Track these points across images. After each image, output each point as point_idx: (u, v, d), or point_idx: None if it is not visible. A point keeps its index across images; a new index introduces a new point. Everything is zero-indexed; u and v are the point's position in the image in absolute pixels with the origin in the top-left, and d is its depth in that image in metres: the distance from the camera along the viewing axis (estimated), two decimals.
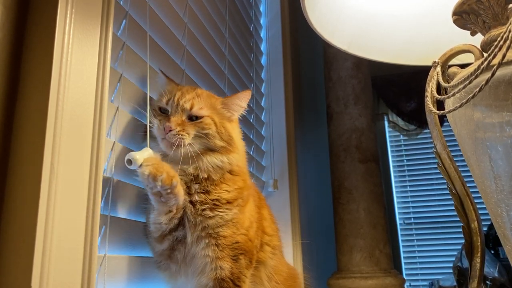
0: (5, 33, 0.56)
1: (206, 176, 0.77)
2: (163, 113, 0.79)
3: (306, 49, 2.30)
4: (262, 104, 1.73)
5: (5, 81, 0.56)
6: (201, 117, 0.79)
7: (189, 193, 0.75)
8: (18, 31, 0.59)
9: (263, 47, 1.84)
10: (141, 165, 0.68)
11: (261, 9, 1.89)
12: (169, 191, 0.70)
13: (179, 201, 0.72)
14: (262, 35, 1.85)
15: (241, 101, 0.86)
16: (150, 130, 0.77)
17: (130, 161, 0.68)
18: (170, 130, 0.74)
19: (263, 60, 1.81)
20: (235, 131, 0.85)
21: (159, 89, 0.85)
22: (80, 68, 0.62)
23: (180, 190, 0.72)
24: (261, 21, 1.87)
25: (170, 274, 0.78)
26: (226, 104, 0.84)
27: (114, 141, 0.75)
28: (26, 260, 0.51)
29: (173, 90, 0.81)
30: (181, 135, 0.75)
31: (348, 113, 1.94)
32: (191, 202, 0.75)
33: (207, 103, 0.81)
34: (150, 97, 0.81)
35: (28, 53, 0.59)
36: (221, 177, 0.78)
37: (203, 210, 0.75)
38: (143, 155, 0.70)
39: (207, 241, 0.74)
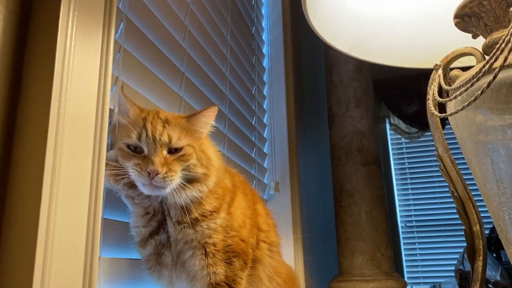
0: (8, 36, 0.57)
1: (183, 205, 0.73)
2: (134, 151, 0.69)
3: (308, 52, 2.31)
4: (264, 107, 1.73)
5: (7, 84, 0.56)
6: (181, 148, 0.71)
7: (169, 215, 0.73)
8: (20, 34, 0.59)
9: (265, 49, 1.84)
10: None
11: (262, 11, 1.89)
12: (137, 193, 0.69)
13: (154, 202, 0.71)
14: (264, 37, 1.85)
15: (207, 118, 0.78)
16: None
17: None
18: (157, 174, 0.66)
19: (265, 63, 1.82)
20: (209, 148, 0.78)
21: (117, 104, 0.75)
22: (82, 71, 0.62)
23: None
24: (263, 24, 1.87)
25: (163, 280, 0.76)
26: (192, 122, 0.76)
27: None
28: (27, 262, 0.51)
29: (138, 120, 0.71)
30: (170, 176, 0.67)
31: (350, 116, 1.94)
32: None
33: (179, 128, 0.73)
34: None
35: (30, 56, 0.59)
36: (199, 201, 0.73)
37: (182, 228, 0.72)
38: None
39: (191, 252, 0.72)
